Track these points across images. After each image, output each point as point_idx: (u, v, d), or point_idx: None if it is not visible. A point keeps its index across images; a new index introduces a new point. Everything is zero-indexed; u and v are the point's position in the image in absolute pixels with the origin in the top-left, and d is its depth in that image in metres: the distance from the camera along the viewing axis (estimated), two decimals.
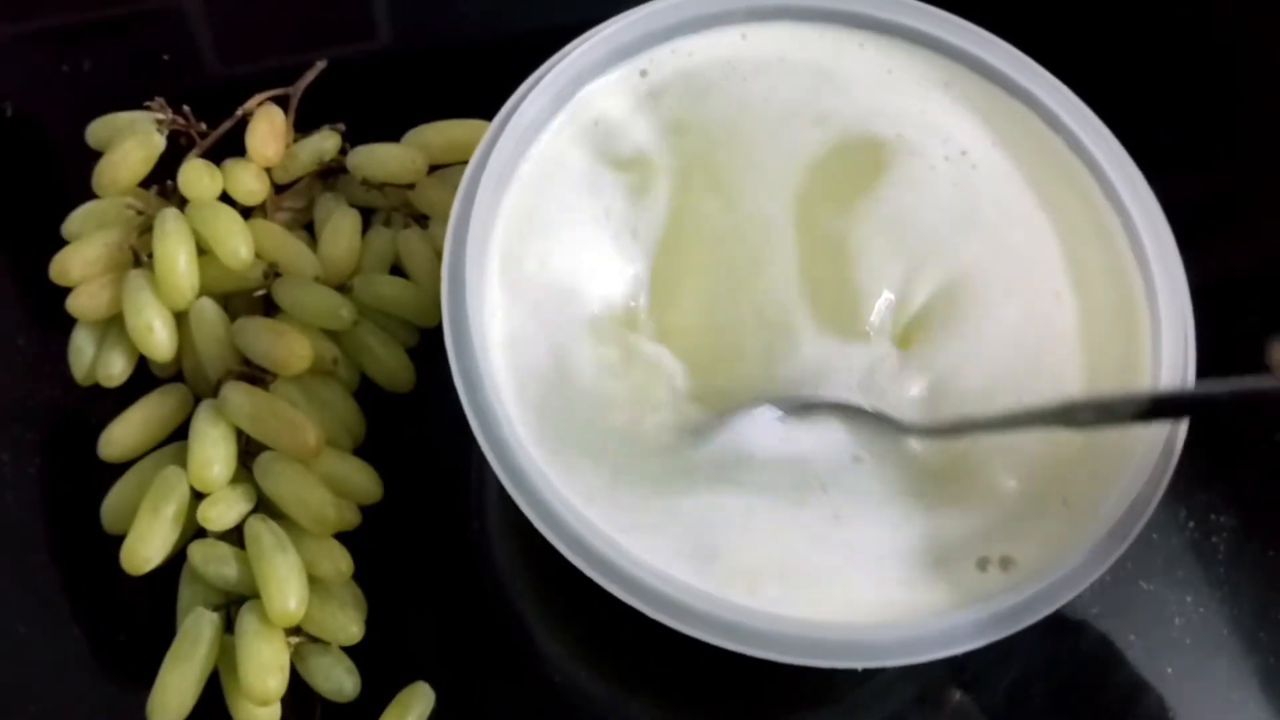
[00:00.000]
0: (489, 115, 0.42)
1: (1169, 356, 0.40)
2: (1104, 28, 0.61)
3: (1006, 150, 0.45)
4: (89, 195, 0.48)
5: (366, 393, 0.47)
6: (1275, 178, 0.58)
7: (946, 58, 0.46)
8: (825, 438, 0.40)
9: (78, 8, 0.58)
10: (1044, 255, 0.43)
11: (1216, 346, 0.40)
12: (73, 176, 0.49)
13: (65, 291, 0.46)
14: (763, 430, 0.40)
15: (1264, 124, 0.60)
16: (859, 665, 0.36)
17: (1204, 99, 0.60)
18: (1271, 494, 0.49)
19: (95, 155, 0.49)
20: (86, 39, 0.56)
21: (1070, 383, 0.41)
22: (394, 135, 0.50)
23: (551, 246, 0.42)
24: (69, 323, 0.47)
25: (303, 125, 0.51)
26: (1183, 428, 0.39)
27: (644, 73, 0.45)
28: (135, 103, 0.50)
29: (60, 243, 0.47)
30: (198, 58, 0.57)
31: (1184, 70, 0.61)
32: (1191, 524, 0.49)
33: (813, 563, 0.38)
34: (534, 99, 0.42)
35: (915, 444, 0.40)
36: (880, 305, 0.42)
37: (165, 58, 0.56)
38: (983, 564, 0.38)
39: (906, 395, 0.41)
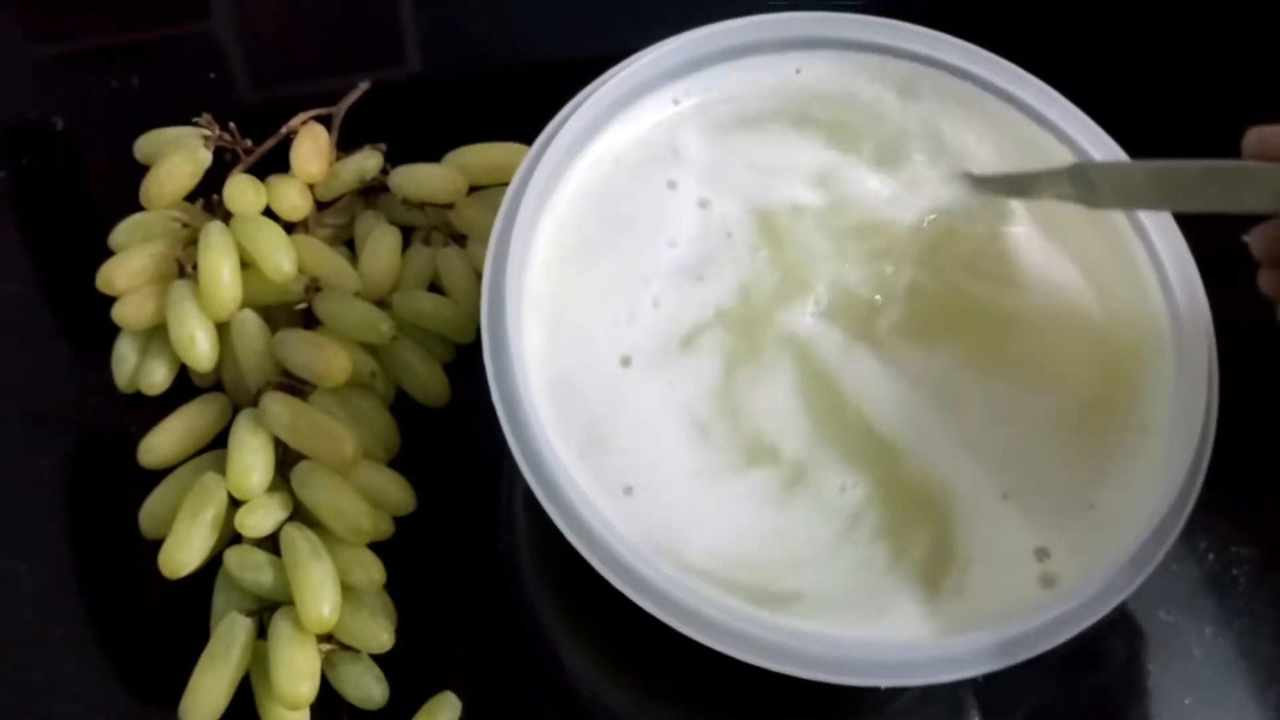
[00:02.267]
0: (528, 140, 0.43)
1: None
2: (1110, 40, 0.62)
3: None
4: (135, 208, 0.50)
5: (402, 406, 0.48)
6: None
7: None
8: None
9: (124, 29, 0.59)
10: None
11: None
12: (120, 190, 0.50)
13: (110, 301, 0.47)
14: None
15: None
16: (897, 684, 0.37)
17: (1212, 114, 0.61)
18: None
19: (142, 169, 0.50)
20: (134, 58, 0.58)
21: None
22: (434, 157, 0.51)
23: (588, 267, 0.43)
24: (113, 331, 0.48)
25: (345, 146, 0.52)
26: (1209, 444, 0.40)
27: (676, 101, 0.46)
28: (182, 120, 0.51)
29: (107, 253, 0.48)
30: (238, 80, 0.58)
31: (1194, 85, 0.61)
32: (1211, 556, 0.49)
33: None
34: (573, 123, 0.43)
35: None
36: None
37: (211, 75, 0.57)
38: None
39: None
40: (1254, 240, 0.40)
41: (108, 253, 0.48)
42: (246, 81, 0.58)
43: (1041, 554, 0.40)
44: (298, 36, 0.60)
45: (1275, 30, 0.63)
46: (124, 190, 0.50)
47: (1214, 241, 0.42)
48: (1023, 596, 0.39)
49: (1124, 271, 0.44)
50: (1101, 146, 0.45)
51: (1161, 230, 0.44)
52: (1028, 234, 0.45)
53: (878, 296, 0.44)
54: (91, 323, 0.48)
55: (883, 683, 0.37)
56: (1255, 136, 0.39)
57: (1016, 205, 0.46)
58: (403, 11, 0.61)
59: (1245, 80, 0.62)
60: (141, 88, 0.57)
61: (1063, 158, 0.45)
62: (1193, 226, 0.43)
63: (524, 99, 0.50)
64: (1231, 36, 0.64)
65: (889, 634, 0.38)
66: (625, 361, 0.42)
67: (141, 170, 0.50)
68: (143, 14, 0.60)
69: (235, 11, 0.60)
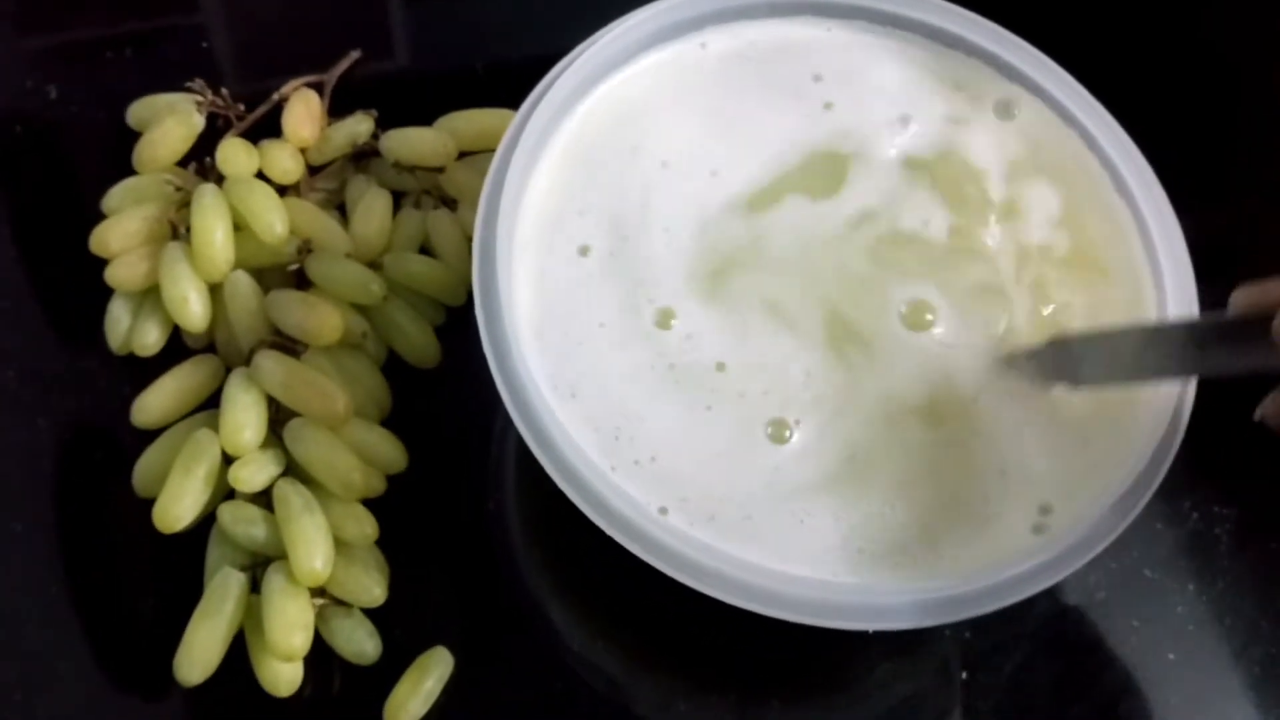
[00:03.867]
0: (518, 106, 0.44)
1: None
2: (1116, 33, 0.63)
3: None
4: (129, 173, 0.50)
5: (394, 368, 0.48)
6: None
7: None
8: None
9: (117, 20, 0.59)
10: None
11: None
12: (113, 155, 0.51)
13: (104, 263, 0.47)
14: None
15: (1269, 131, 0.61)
16: (883, 628, 0.38)
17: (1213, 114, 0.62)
18: (1274, 487, 0.50)
19: (134, 136, 0.51)
20: (127, 44, 0.58)
21: None
22: (425, 123, 0.52)
23: (577, 225, 0.43)
24: (106, 293, 0.48)
25: (337, 112, 0.53)
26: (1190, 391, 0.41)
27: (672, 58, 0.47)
28: (176, 89, 0.52)
29: (100, 217, 0.49)
30: (231, 56, 0.58)
31: (1194, 82, 0.62)
32: (1195, 515, 0.50)
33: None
34: (561, 84, 0.44)
35: None
36: None
37: (204, 45, 0.58)
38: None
39: None
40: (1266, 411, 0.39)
41: (101, 216, 0.49)
42: (240, 56, 0.58)
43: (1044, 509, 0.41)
44: (289, 19, 0.61)
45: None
46: (117, 156, 0.51)
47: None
48: (1016, 543, 0.40)
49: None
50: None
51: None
52: None
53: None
54: (85, 286, 0.48)
55: (870, 626, 0.38)
56: (1243, 296, 0.37)
57: None
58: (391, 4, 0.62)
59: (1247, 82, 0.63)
60: (135, 60, 0.57)
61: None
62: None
63: (514, 67, 0.50)
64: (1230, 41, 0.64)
65: (877, 581, 0.39)
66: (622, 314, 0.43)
67: (135, 136, 0.51)
68: (134, 5, 0.60)
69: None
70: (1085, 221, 0.45)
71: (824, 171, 0.45)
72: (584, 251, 0.43)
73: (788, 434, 0.40)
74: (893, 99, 0.47)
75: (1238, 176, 0.60)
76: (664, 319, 0.42)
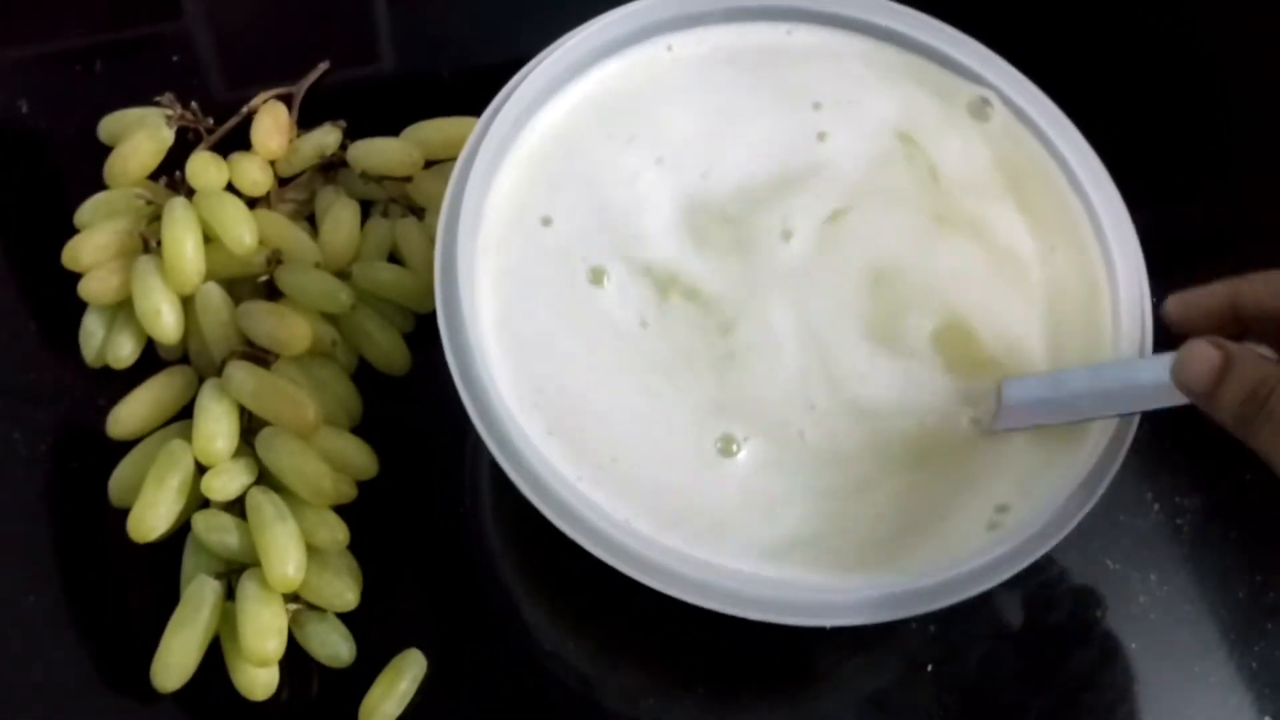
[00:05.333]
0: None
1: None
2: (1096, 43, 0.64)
3: None
4: (100, 187, 0.51)
5: (364, 375, 0.49)
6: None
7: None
8: None
9: (95, 29, 0.60)
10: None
11: None
12: (85, 170, 0.52)
13: (77, 277, 0.48)
14: None
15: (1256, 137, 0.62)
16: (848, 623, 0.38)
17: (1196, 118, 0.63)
18: (1233, 478, 0.51)
19: (106, 150, 0.51)
20: (103, 52, 0.58)
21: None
22: (393, 134, 0.52)
23: (541, 230, 0.44)
24: (80, 307, 0.49)
25: (305, 124, 0.53)
26: None
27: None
28: (145, 102, 0.52)
29: (72, 231, 0.49)
30: (206, 71, 0.59)
31: (1173, 85, 0.63)
32: (1157, 506, 0.50)
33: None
34: (522, 93, 0.45)
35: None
36: None
37: (175, 59, 0.58)
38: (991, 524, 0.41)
39: None
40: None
41: (73, 231, 0.49)
42: (213, 73, 0.59)
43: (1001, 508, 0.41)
44: (266, 33, 0.61)
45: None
46: (89, 170, 0.51)
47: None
48: (973, 540, 0.41)
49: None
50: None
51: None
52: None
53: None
54: (59, 300, 0.49)
55: (828, 623, 0.38)
56: (1177, 301, 0.40)
57: None
58: (377, 13, 0.62)
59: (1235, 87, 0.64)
60: (106, 73, 0.57)
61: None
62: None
63: (482, 74, 0.51)
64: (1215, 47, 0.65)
65: (836, 580, 0.40)
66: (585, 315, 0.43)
67: (105, 151, 0.51)
68: (114, 13, 0.60)
69: (204, 10, 0.61)
70: (1041, 212, 0.46)
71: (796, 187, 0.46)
72: (547, 257, 0.44)
73: (735, 447, 0.41)
74: (868, 99, 0.48)
75: (1195, 176, 0.61)
76: (641, 322, 0.43)
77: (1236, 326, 0.39)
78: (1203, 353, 0.36)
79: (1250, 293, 0.39)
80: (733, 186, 0.46)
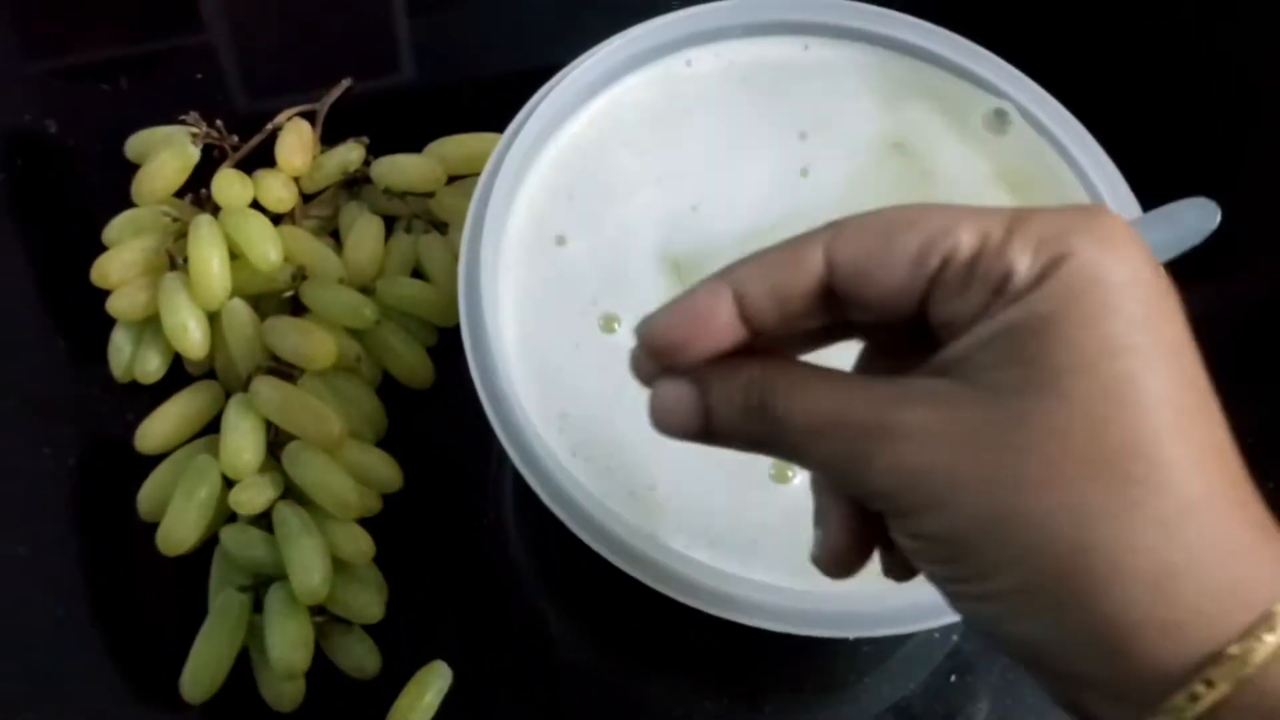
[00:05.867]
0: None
1: None
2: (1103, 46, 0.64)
3: None
4: (127, 205, 0.51)
5: (388, 389, 0.50)
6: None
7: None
8: None
9: (119, 42, 0.61)
10: None
11: None
12: (112, 188, 0.52)
13: (105, 294, 0.49)
14: None
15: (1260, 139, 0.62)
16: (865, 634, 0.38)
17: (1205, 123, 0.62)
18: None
19: (133, 168, 0.52)
20: (128, 68, 0.59)
21: None
22: (415, 150, 0.53)
23: (556, 250, 0.45)
24: (108, 323, 0.50)
25: (329, 141, 0.54)
26: None
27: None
28: (170, 121, 0.53)
29: (100, 249, 0.50)
30: (228, 87, 0.60)
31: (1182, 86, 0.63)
32: None
33: None
34: (544, 109, 0.45)
35: None
36: None
37: (199, 76, 0.59)
38: None
39: None
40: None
41: (101, 248, 0.50)
42: (236, 88, 0.60)
43: None
44: (288, 49, 0.62)
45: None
46: (116, 189, 0.52)
47: None
48: None
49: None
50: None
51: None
52: None
53: None
54: (88, 316, 0.50)
55: (851, 634, 0.38)
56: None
57: None
58: (397, 25, 0.63)
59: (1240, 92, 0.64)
60: (132, 91, 0.58)
61: None
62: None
63: (505, 90, 0.51)
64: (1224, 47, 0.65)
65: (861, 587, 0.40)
66: (606, 327, 0.44)
67: (132, 169, 0.52)
68: (137, 27, 0.61)
69: (227, 25, 0.62)
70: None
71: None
72: (569, 275, 0.44)
73: (791, 472, 0.41)
74: (870, 115, 0.48)
75: (1204, 181, 0.61)
76: None
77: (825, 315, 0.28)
78: (673, 392, 0.28)
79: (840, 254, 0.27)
80: (719, 229, 0.46)
